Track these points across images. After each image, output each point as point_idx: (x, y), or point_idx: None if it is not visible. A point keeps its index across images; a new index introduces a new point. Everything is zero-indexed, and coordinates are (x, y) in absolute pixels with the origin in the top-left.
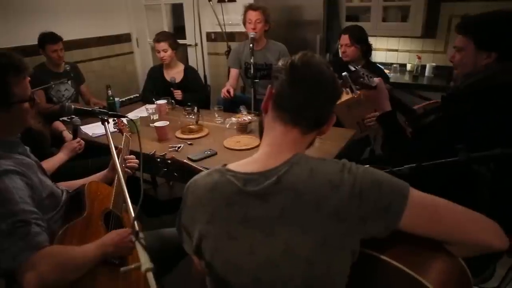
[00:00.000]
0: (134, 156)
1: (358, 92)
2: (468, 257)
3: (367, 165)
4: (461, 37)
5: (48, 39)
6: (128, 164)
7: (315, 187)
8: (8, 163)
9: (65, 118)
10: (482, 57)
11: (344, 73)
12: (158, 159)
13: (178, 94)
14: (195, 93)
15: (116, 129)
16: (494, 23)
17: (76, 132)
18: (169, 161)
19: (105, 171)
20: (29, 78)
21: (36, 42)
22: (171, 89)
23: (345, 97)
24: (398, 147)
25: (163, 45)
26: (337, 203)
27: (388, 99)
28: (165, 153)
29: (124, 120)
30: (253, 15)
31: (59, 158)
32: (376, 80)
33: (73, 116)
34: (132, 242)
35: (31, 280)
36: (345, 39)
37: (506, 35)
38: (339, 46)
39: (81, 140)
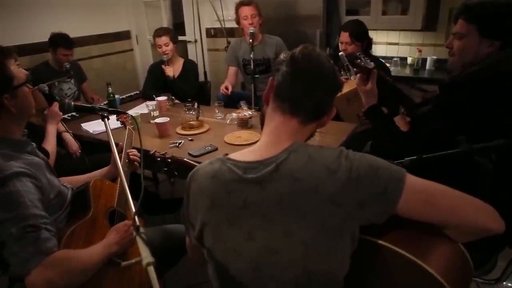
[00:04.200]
0: (136, 150)
1: (355, 75)
2: (468, 243)
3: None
4: (464, 23)
5: (63, 42)
6: (131, 156)
7: (312, 173)
8: (18, 164)
9: (65, 116)
10: (485, 45)
11: (340, 53)
12: (158, 159)
13: (169, 70)
14: (186, 85)
15: (119, 122)
16: (501, 11)
17: (48, 98)
18: (169, 160)
19: (107, 167)
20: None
21: (37, 40)
22: (163, 66)
23: (343, 90)
24: (390, 139)
25: (164, 39)
26: (334, 188)
27: (376, 96)
28: (165, 152)
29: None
30: (247, 10)
31: (50, 130)
32: (373, 64)
33: (43, 86)
34: (132, 233)
35: (40, 285)
36: (345, 36)
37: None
38: (339, 43)
39: (57, 103)
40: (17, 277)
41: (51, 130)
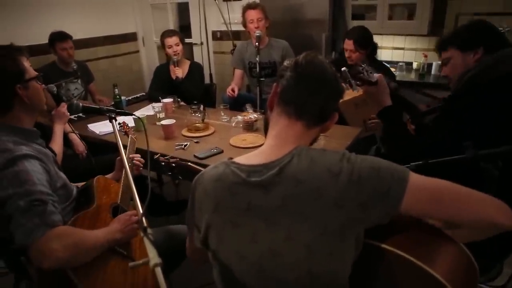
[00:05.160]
0: (139, 155)
1: (358, 88)
2: (473, 249)
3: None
4: (444, 52)
5: (57, 37)
6: (134, 161)
7: (315, 176)
8: (28, 148)
9: (72, 117)
10: (470, 56)
11: (343, 68)
12: (163, 163)
13: (178, 71)
14: (192, 86)
15: (122, 132)
16: (468, 25)
17: (56, 97)
18: (173, 165)
19: (112, 173)
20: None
21: (43, 42)
22: (172, 66)
23: (352, 94)
24: (399, 142)
25: (175, 39)
26: (336, 191)
27: (388, 94)
28: (169, 157)
29: (129, 123)
30: (254, 14)
31: (57, 131)
32: (376, 75)
33: (52, 86)
34: (135, 223)
35: (44, 257)
36: (349, 44)
37: (483, 29)
38: (344, 50)
39: (64, 103)
40: (22, 248)
41: (58, 131)
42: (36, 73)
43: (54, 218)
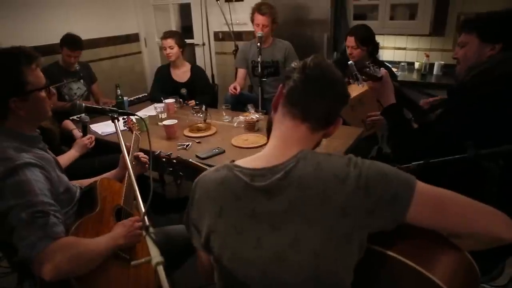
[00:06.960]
0: (143, 154)
1: (363, 83)
2: (479, 251)
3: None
4: (465, 34)
5: (67, 43)
6: (141, 158)
7: (321, 181)
8: (29, 156)
9: (74, 117)
10: (486, 49)
11: (350, 62)
12: (164, 159)
13: (192, 104)
14: (204, 96)
15: (126, 128)
16: (498, 17)
17: (85, 129)
18: (174, 161)
19: (115, 170)
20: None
21: (46, 43)
22: (186, 101)
23: (353, 93)
24: (403, 139)
25: (169, 42)
26: (343, 196)
27: (393, 92)
28: (171, 153)
29: (133, 118)
30: (260, 20)
31: (71, 154)
32: (382, 71)
33: (81, 115)
34: (139, 228)
35: (47, 269)
36: (351, 41)
37: (510, 26)
38: (346, 47)
39: (92, 136)
40: (25, 262)
41: (72, 155)
42: (44, 82)
43: (56, 230)
